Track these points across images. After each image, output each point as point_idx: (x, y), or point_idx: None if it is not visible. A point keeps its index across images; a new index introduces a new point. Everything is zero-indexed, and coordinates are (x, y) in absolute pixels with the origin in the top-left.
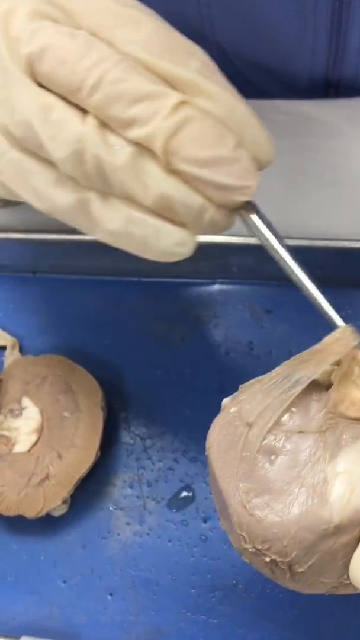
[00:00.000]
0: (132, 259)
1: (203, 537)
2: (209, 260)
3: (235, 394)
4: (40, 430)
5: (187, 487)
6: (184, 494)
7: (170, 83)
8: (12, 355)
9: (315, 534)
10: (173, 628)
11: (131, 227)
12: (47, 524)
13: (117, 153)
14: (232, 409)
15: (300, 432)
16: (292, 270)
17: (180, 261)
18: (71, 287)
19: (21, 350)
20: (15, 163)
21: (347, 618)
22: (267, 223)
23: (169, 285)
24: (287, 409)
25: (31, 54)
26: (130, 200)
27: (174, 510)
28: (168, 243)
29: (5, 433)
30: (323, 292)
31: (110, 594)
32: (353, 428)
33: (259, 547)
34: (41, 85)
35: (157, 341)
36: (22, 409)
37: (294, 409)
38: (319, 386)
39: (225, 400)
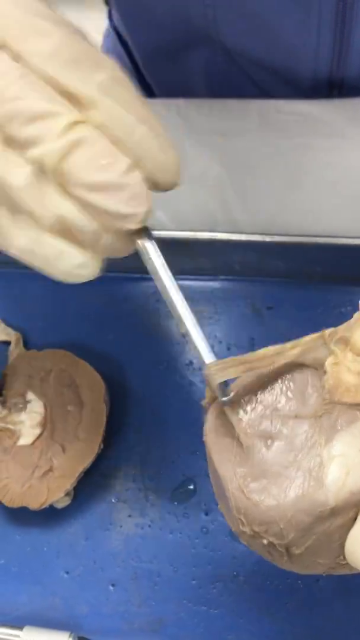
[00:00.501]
0: (135, 256)
1: (204, 529)
2: (211, 257)
3: (219, 361)
4: (44, 424)
5: (189, 480)
6: (186, 487)
7: (73, 99)
8: (16, 350)
9: (311, 516)
10: (174, 618)
11: (35, 246)
12: (50, 516)
13: (17, 172)
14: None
15: (297, 417)
16: (173, 302)
17: (183, 258)
18: (75, 284)
19: (25, 345)
20: None
21: (346, 611)
22: (157, 252)
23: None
24: (274, 395)
25: None
26: (35, 219)
27: (176, 503)
28: (69, 265)
29: (10, 426)
30: (322, 289)
31: (113, 585)
32: (348, 413)
33: (257, 530)
34: None
35: (159, 337)
36: (26, 402)
37: (290, 395)
38: (315, 372)
39: (209, 367)
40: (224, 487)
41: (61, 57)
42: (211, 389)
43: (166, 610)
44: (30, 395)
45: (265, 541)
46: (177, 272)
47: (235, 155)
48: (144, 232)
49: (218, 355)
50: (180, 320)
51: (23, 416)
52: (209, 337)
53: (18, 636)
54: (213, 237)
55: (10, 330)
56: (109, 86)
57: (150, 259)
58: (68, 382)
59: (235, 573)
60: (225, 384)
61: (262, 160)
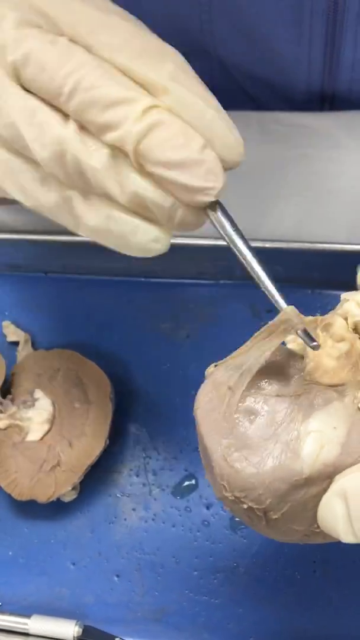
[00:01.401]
0: (140, 260)
1: (205, 522)
2: (213, 262)
3: (219, 362)
4: (52, 420)
5: (191, 476)
6: (188, 482)
7: (144, 86)
8: (24, 350)
9: (287, 484)
10: (176, 608)
11: (110, 224)
12: (57, 509)
13: (94, 155)
14: (217, 375)
15: (278, 395)
16: (251, 265)
17: (186, 263)
18: (81, 286)
19: (33, 345)
20: (4, 162)
21: (342, 601)
22: (231, 221)
23: (175, 285)
24: (259, 376)
25: (16, 60)
26: (108, 199)
27: (178, 497)
28: (144, 239)
29: (19, 423)
30: (320, 294)
31: (117, 576)
32: (325, 393)
33: (238, 495)
34: (28, 90)
35: (163, 338)
36: (34, 400)
37: (273, 376)
38: (296, 355)
39: (209, 368)
40: (210, 457)
41: (131, 49)
42: (292, 331)
43: (168, 600)
44: (38, 393)
45: (245, 506)
46: (181, 276)
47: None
48: (215, 206)
49: (219, 356)
50: (259, 279)
51: (31, 413)
52: (210, 338)
53: (26, 624)
54: (215, 244)
55: (19, 331)
56: (176, 74)
57: (224, 228)
58: (75, 381)
59: (235, 564)
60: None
61: (263, 170)
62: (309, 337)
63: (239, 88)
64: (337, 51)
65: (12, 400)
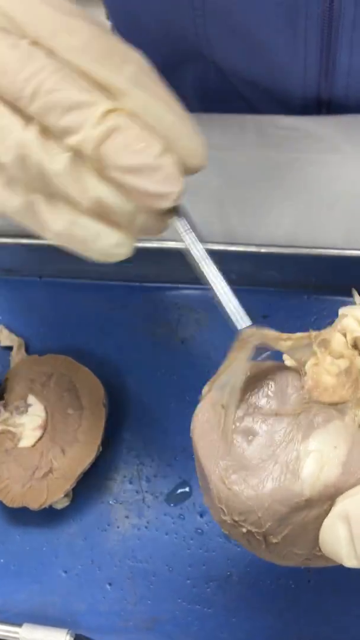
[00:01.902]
0: (135, 265)
1: (199, 530)
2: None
3: (211, 379)
4: (45, 427)
5: (185, 483)
6: (181, 489)
7: (106, 90)
8: (18, 355)
9: (287, 506)
10: (169, 617)
11: (73, 229)
12: (49, 517)
13: (55, 159)
14: (213, 394)
15: (277, 414)
16: (208, 273)
17: (181, 268)
18: (76, 291)
19: (27, 350)
20: None
21: (336, 610)
22: (192, 227)
23: (170, 290)
24: (257, 394)
25: None
26: (71, 203)
27: (172, 505)
28: (106, 244)
29: (11, 429)
30: (316, 299)
31: (109, 584)
32: (325, 411)
33: (236, 519)
34: None
35: (158, 343)
36: (27, 406)
37: (271, 394)
38: (296, 373)
39: (205, 388)
40: (208, 480)
41: (92, 52)
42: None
43: (161, 609)
44: (31, 399)
45: (244, 529)
46: (176, 280)
47: (233, 169)
48: (176, 211)
49: (213, 362)
50: (213, 290)
51: (24, 419)
52: (205, 343)
53: (17, 633)
54: (211, 248)
55: (13, 335)
56: (138, 77)
57: (183, 234)
58: (68, 386)
59: (228, 573)
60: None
61: (259, 174)
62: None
63: (235, 92)
64: (332, 57)
65: (5, 406)
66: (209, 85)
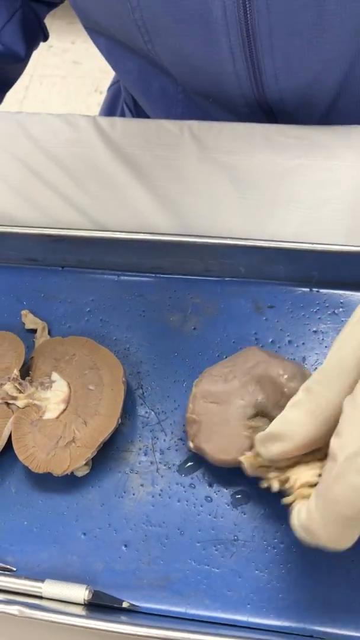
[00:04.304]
0: (150, 257)
1: (208, 498)
2: (219, 260)
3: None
4: (68, 400)
5: (195, 456)
6: (192, 462)
7: None
8: (42, 337)
9: None
10: (180, 576)
11: None
12: (70, 483)
13: None
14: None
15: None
16: None
17: (194, 260)
18: (95, 281)
19: (50, 334)
20: None
21: (339, 571)
22: None
23: (183, 281)
24: None
25: None
26: None
27: (183, 475)
28: None
29: (36, 402)
30: (318, 292)
31: (125, 546)
32: None
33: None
34: None
35: (171, 330)
36: (51, 382)
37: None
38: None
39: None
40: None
41: None
42: None
43: (173, 569)
44: (55, 376)
45: None
46: (189, 272)
47: (243, 172)
48: None
49: (222, 347)
50: None
51: (48, 394)
52: (215, 330)
53: (40, 588)
54: (221, 242)
55: (37, 319)
56: None
57: None
58: (90, 365)
59: (235, 537)
60: None
61: (266, 177)
62: None
63: (191, 101)
64: (257, 63)
65: (31, 382)
66: (176, 96)
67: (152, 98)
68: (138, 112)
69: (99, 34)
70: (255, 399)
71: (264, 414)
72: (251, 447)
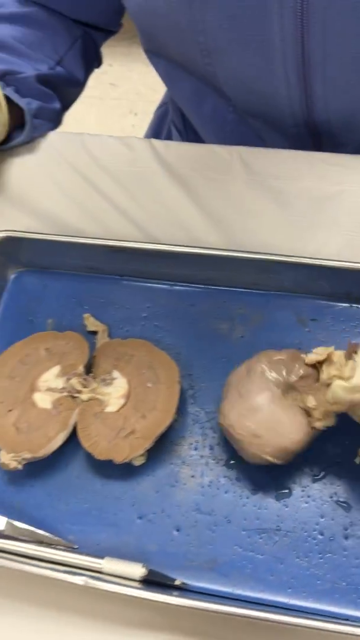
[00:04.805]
0: (201, 270)
1: (254, 490)
2: (266, 274)
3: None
4: (128, 396)
5: None
6: (238, 458)
7: None
8: (102, 338)
9: None
10: (227, 560)
11: None
12: (127, 471)
13: None
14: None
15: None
16: None
17: (243, 274)
18: (151, 290)
19: (109, 336)
20: None
21: None
22: None
23: (233, 293)
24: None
25: None
26: None
27: (230, 469)
28: None
29: (99, 397)
30: (359, 308)
31: (177, 530)
32: None
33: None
34: None
35: (220, 337)
36: (112, 379)
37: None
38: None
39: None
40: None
41: None
42: None
43: (220, 553)
44: (115, 374)
45: None
46: (237, 285)
47: (287, 196)
48: None
49: (240, 352)
50: None
51: (110, 389)
52: (260, 339)
53: (100, 564)
54: (268, 258)
55: (98, 322)
56: None
57: None
58: (148, 365)
59: (277, 527)
60: None
61: (310, 201)
62: None
63: (245, 123)
64: (309, 90)
65: (94, 378)
66: (227, 116)
67: (204, 117)
68: (187, 132)
69: (159, 56)
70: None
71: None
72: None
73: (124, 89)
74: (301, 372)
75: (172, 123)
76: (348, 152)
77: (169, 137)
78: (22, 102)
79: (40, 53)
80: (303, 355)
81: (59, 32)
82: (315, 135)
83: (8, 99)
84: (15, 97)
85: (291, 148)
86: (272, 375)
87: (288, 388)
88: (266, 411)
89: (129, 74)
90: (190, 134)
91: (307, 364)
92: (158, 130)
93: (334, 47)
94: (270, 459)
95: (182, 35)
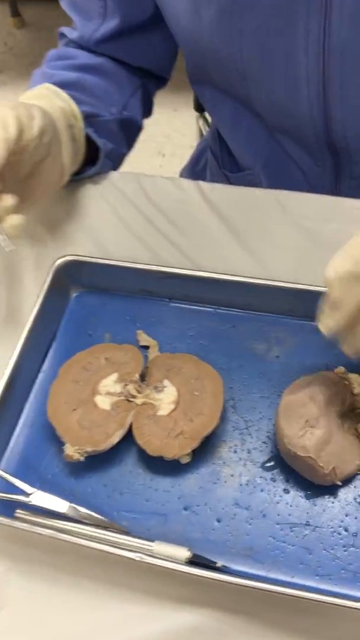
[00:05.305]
0: (243, 296)
1: (286, 490)
2: (302, 303)
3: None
4: (177, 402)
5: (276, 457)
6: (273, 461)
7: None
8: (153, 352)
9: None
10: (262, 549)
11: None
12: (175, 468)
13: None
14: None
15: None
16: None
17: (280, 301)
18: (196, 312)
19: (159, 351)
20: None
21: None
22: None
23: (270, 317)
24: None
25: None
26: None
27: (265, 471)
28: None
29: (152, 402)
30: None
31: (218, 521)
32: None
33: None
34: None
35: (257, 356)
36: (163, 387)
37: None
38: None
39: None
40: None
41: None
42: None
43: (256, 543)
44: (166, 382)
45: None
46: (275, 311)
47: (318, 235)
48: None
49: (301, 373)
50: None
51: (161, 396)
52: (294, 360)
53: (151, 546)
54: (299, 288)
55: (149, 338)
56: None
57: None
58: (195, 376)
59: (307, 522)
60: None
61: (340, 241)
62: None
63: (274, 139)
64: (329, 111)
65: (147, 386)
66: (257, 134)
67: (240, 136)
68: (222, 154)
69: (205, 84)
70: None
71: (345, 416)
72: None
73: (151, 131)
74: (348, 400)
75: (210, 149)
76: None
77: (206, 165)
78: (99, 142)
79: (109, 99)
80: (346, 382)
81: (123, 81)
82: (334, 153)
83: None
84: (95, 137)
85: (313, 162)
86: (334, 407)
87: (343, 416)
88: (336, 441)
89: (157, 117)
90: (224, 156)
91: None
92: (198, 160)
93: (350, 82)
94: (339, 483)
95: (223, 62)
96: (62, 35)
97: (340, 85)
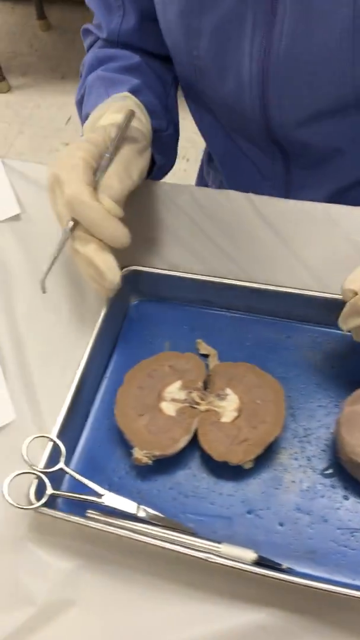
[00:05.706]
0: (297, 308)
1: (345, 496)
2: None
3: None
4: (240, 410)
5: (335, 464)
6: (332, 468)
7: None
8: (213, 361)
9: None
10: (324, 552)
11: None
12: (238, 473)
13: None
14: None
15: None
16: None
17: (334, 314)
18: (254, 322)
19: (218, 359)
20: None
21: None
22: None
23: (324, 329)
24: None
25: None
26: None
27: (325, 478)
28: None
29: (215, 409)
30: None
31: (281, 525)
32: None
33: None
34: None
35: (313, 366)
36: (226, 395)
37: None
38: None
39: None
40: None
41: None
42: None
43: (318, 546)
44: (228, 391)
45: None
46: (331, 323)
47: (296, 235)
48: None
49: (355, 384)
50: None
51: (224, 403)
52: (350, 370)
53: (218, 547)
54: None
55: (209, 347)
56: None
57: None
58: (257, 385)
59: None
60: None
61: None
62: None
63: (229, 137)
64: (268, 111)
65: (210, 393)
66: (216, 135)
67: (204, 132)
68: (209, 163)
69: (188, 97)
70: None
71: None
72: None
73: None
74: None
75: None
76: (312, 167)
77: (208, 174)
78: (157, 158)
79: (161, 109)
80: None
81: (160, 81)
82: (282, 149)
83: None
84: (153, 151)
85: (264, 156)
86: None
87: None
88: None
89: (182, 122)
90: (211, 167)
91: None
92: (202, 169)
93: (285, 90)
94: None
95: (184, 59)
96: (87, 32)
97: (277, 92)
